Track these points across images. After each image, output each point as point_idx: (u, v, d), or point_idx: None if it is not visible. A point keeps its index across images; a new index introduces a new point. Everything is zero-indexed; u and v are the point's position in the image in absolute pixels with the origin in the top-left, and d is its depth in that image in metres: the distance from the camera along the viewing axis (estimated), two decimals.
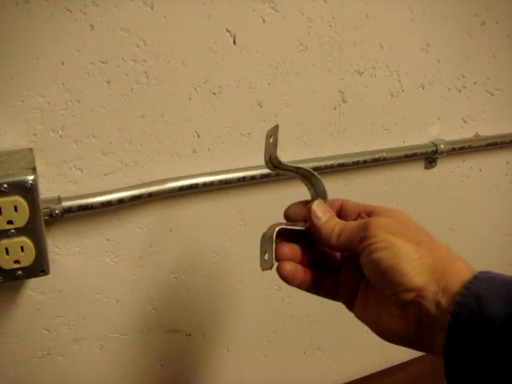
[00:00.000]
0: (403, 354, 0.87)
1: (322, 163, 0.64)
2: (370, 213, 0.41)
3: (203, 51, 0.55)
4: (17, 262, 0.47)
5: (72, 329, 0.58)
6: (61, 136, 0.51)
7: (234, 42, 0.56)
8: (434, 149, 0.73)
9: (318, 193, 0.43)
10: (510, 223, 0.88)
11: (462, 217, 0.82)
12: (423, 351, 0.37)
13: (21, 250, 0.47)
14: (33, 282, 0.54)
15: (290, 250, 0.42)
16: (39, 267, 0.49)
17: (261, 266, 0.42)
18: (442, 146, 0.74)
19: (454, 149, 0.75)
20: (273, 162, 0.42)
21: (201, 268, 0.64)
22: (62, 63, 0.49)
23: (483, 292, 0.32)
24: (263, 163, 0.62)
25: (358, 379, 0.84)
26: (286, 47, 0.59)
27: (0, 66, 0.46)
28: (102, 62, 0.50)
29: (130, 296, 0.60)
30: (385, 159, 0.69)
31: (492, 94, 0.78)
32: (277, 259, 0.41)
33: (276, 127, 0.41)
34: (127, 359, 0.63)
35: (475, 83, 0.76)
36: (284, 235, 0.42)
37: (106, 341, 0.61)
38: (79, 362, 0.60)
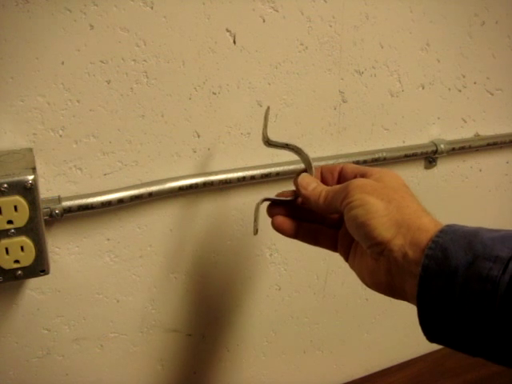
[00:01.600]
0: (403, 353, 0.87)
1: (322, 163, 0.64)
2: (363, 174, 0.45)
3: (203, 51, 0.55)
4: (17, 261, 0.47)
5: (72, 329, 0.58)
6: (61, 136, 0.51)
7: (234, 42, 0.56)
8: (434, 149, 0.73)
9: (305, 164, 0.48)
10: (510, 223, 0.88)
11: (462, 217, 0.82)
12: (396, 298, 0.41)
13: (21, 250, 0.47)
14: (33, 282, 0.54)
15: (281, 209, 0.48)
16: (39, 267, 0.49)
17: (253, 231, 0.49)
18: (442, 146, 0.74)
19: (453, 149, 0.75)
20: (266, 140, 0.49)
21: (201, 268, 0.64)
22: (62, 63, 0.49)
23: (448, 244, 0.36)
24: (263, 163, 0.63)
25: (358, 379, 0.84)
26: (286, 47, 0.59)
27: (0, 65, 0.46)
28: (101, 61, 0.50)
29: (130, 296, 0.60)
30: (385, 159, 0.69)
31: (492, 94, 0.78)
32: (269, 216, 0.48)
33: (267, 109, 0.49)
34: (127, 359, 0.63)
35: (475, 83, 0.76)
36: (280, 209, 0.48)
37: (106, 341, 0.61)
38: (79, 362, 0.60)
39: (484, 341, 0.34)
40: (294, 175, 0.48)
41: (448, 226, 0.38)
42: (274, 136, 0.50)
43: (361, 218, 0.40)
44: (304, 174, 0.47)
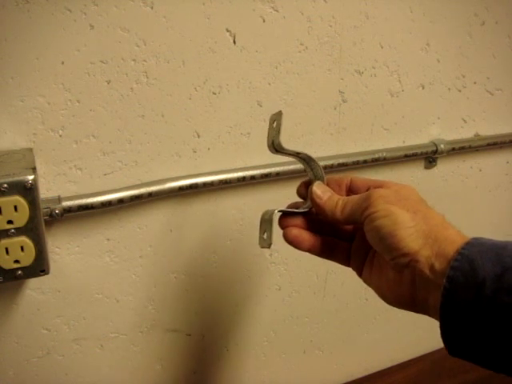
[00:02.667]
0: (403, 354, 0.87)
1: (322, 163, 0.64)
2: (378, 186, 0.43)
3: (203, 51, 0.55)
4: (17, 261, 0.47)
5: (72, 329, 0.58)
6: (61, 136, 0.51)
7: (234, 42, 0.56)
8: (434, 149, 0.73)
9: (317, 175, 0.46)
10: (510, 223, 0.88)
11: (462, 217, 0.82)
12: (417, 312, 0.40)
13: (21, 250, 0.47)
14: (33, 282, 0.54)
15: (295, 221, 0.46)
16: (39, 267, 0.49)
17: (259, 243, 0.45)
18: (442, 146, 0.74)
19: (453, 149, 0.75)
20: (275, 146, 0.45)
21: (201, 268, 0.64)
22: (62, 63, 0.49)
23: (475, 256, 0.35)
24: (263, 163, 0.63)
25: (358, 379, 0.84)
26: (286, 47, 0.59)
27: (0, 65, 0.46)
28: (101, 61, 0.50)
29: (130, 296, 0.60)
30: (385, 159, 0.69)
31: (492, 94, 0.78)
32: (282, 227, 0.45)
33: (279, 113, 0.44)
34: (127, 359, 0.63)
35: (475, 83, 0.76)
36: (293, 220, 0.46)
37: (106, 341, 0.61)
38: (79, 362, 0.60)
39: (510, 356, 0.33)
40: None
41: (475, 239, 0.37)
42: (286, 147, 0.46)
43: (386, 229, 0.38)
44: (318, 183, 0.45)
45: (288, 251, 0.70)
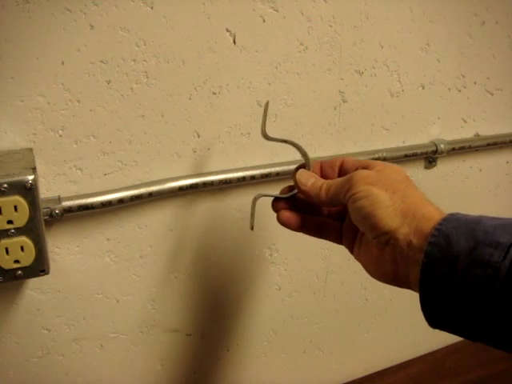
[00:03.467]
0: (403, 354, 0.87)
1: None
2: (366, 167, 0.45)
3: (203, 51, 0.55)
4: (17, 261, 0.47)
5: (72, 329, 0.58)
6: (61, 136, 0.51)
7: (234, 42, 0.56)
8: (434, 149, 0.73)
9: (304, 159, 0.49)
10: None
11: None
12: (400, 286, 0.41)
13: (21, 250, 0.47)
14: (33, 282, 0.54)
15: (286, 204, 0.49)
16: (39, 267, 0.49)
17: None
18: (442, 146, 0.74)
19: (453, 149, 0.75)
20: (263, 134, 0.50)
21: (201, 268, 0.64)
22: (62, 63, 0.49)
23: (451, 231, 0.36)
24: (263, 163, 0.63)
25: (357, 379, 0.84)
26: (286, 47, 0.59)
27: (0, 65, 0.46)
28: (101, 61, 0.50)
29: (130, 296, 0.61)
30: (385, 159, 0.69)
31: (492, 94, 0.78)
32: (275, 211, 0.49)
33: (267, 103, 0.49)
34: (127, 359, 0.63)
35: (475, 83, 0.76)
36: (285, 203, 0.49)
37: (106, 341, 0.61)
38: (79, 362, 0.60)
39: (484, 325, 0.35)
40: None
41: (451, 215, 0.38)
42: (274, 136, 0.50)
43: (366, 209, 0.40)
44: (302, 170, 0.48)
45: (288, 251, 0.70)
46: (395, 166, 0.45)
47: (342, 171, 0.48)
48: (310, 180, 0.46)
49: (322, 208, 0.49)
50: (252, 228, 0.49)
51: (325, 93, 0.64)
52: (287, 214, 0.48)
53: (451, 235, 0.36)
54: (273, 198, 0.49)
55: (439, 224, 0.37)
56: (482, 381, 0.83)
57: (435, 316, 0.37)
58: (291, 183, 0.48)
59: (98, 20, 0.49)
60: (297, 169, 0.49)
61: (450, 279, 0.35)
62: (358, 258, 0.46)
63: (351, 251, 0.47)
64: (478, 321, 0.35)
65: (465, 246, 0.35)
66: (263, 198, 0.49)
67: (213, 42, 0.55)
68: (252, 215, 0.49)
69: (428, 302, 0.37)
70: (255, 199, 0.49)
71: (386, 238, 0.40)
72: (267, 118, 0.50)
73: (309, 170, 0.48)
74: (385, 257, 0.41)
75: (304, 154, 0.49)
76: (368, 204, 0.40)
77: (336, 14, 0.61)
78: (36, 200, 0.46)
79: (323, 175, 0.49)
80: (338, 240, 0.49)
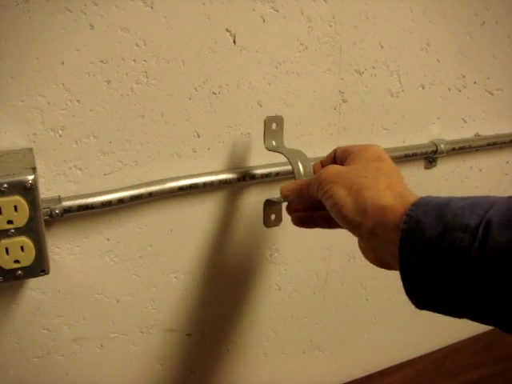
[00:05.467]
0: (403, 353, 0.87)
1: None
2: (346, 155, 0.47)
3: (203, 51, 0.55)
4: (17, 261, 0.47)
5: (72, 329, 0.58)
6: (61, 136, 0.51)
7: (234, 42, 0.56)
8: (434, 149, 0.73)
9: (293, 168, 0.54)
10: None
11: None
12: (388, 269, 0.43)
13: (21, 250, 0.47)
14: (33, 282, 0.54)
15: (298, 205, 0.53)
16: (39, 267, 0.49)
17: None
18: (442, 146, 0.74)
19: (453, 149, 0.75)
20: (265, 147, 0.57)
21: (201, 268, 0.64)
22: (62, 63, 0.49)
23: (421, 216, 0.37)
24: (263, 163, 0.63)
25: (357, 379, 0.84)
26: (286, 47, 0.59)
27: (0, 65, 0.46)
28: (101, 61, 0.50)
29: (130, 296, 0.61)
30: None
31: (492, 94, 0.78)
32: (289, 214, 0.53)
33: (265, 120, 0.56)
34: (127, 359, 0.63)
35: (475, 83, 0.76)
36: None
37: (106, 341, 0.61)
38: (79, 362, 0.60)
39: (466, 304, 0.35)
40: (293, 175, 0.51)
41: (421, 199, 0.39)
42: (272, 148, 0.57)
43: (333, 209, 0.42)
44: (282, 186, 0.51)
45: (288, 251, 0.70)
46: (368, 149, 0.46)
47: (337, 162, 0.50)
48: (290, 190, 0.49)
49: None
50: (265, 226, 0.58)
51: (325, 93, 0.64)
52: (297, 216, 0.52)
53: (422, 220, 0.36)
54: (280, 203, 0.57)
55: (410, 210, 0.37)
56: (482, 381, 0.83)
57: (419, 298, 0.38)
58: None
59: (98, 20, 0.49)
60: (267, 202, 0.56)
61: (426, 265, 0.36)
62: (359, 245, 0.47)
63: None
64: (459, 300, 0.35)
65: (435, 230, 0.35)
66: (265, 197, 0.53)
67: (213, 42, 0.55)
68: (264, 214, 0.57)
69: (410, 286, 0.38)
70: (264, 203, 0.57)
71: (359, 232, 0.41)
72: (267, 131, 0.56)
73: (295, 178, 0.53)
74: (367, 246, 0.43)
75: (294, 164, 0.53)
76: (333, 204, 0.42)
77: (336, 14, 0.61)
78: (36, 200, 0.46)
79: None
80: (327, 227, 0.51)
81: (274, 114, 0.61)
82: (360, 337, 0.82)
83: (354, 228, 0.41)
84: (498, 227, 0.33)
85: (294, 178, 0.53)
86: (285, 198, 0.51)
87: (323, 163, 0.52)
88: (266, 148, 0.57)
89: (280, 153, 0.56)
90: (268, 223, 0.58)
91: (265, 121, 0.56)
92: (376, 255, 0.42)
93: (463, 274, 0.34)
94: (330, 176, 0.43)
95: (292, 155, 0.55)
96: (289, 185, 0.50)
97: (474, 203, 0.36)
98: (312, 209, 0.51)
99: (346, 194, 0.41)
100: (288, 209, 0.53)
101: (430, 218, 0.36)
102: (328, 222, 0.50)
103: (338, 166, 0.45)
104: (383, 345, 0.85)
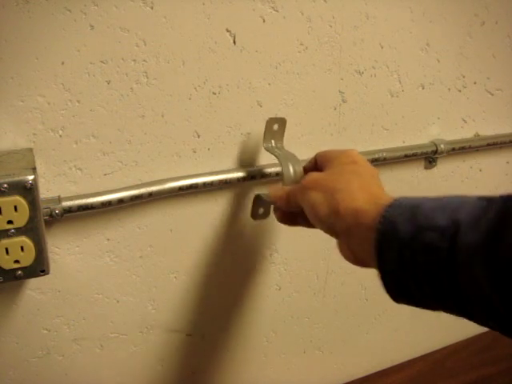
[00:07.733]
0: (403, 354, 0.87)
1: None
2: (325, 161, 0.50)
3: (203, 51, 0.55)
4: (17, 261, 0.47)
5: (72, 329, 0.58)
6: (61, 136, 0.51)
7: (234, 42, 0.56)
8: (434, 149, 0.73)
9: (283, 173, 0.55)
10: None
11: None
12: (363, 266, 0.44)
13: (21, 250, 0.47)
14: (33, 282, 0.54)
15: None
16: (39, 267, 0.49)
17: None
18: (442, 146, 0.74)
19: (453, 149, 0.75)
20: (264, 147, 0.58)
21: (201, 268, 0.64)
22: (62, 63, 0.49)
23: (396, 218, 0.38)
24: (263, 163, 0.63)
25: (357, 379, 0.84)
26: (286, 47, 0.59)
27: (0, 65, 0.46)
28: (101, 61, 0.50)
29: (130, 296, 0.60)
30: (385, 159, 0.69)
31: (492, 94, 0.78)
32: (274, 211, 0.55)
33: (267, 121, 0.57)
34: (127, 359, 0.63)
35: (475, 83, 0.76)
36: None
37: (106, 341, 0.61)
38: (79, 362, 0.60)
39: (438, 299, 0.37)
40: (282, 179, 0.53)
41: (396, 200, 0.40)
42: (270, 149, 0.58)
43: (310, 213, 0.45)
44: (271, 190, 0.52)
45: (288, 251, 0.70)
46: (346, 153, 0.48)
47: (318, 165, 0.52)
48: (277, 197, 0.51)
49: None
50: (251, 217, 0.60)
51: (325, 93, 0.64)
52: (280, 213, 0.54)
53: (396, 221, 0.38)
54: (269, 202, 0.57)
55: (385, 211, 0.39)
56: (482, 381, 0.83)
57: (396, 293, 0.39)
58: None
59: (98, 20, 0.49)
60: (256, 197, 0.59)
61: (401, 263, 0.37)
62: (337, 244, 0.48)
63: None
64: (432, 295, 0.37)
65: (408, 232, 0.37)
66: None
67: (213, 42, 0.55)
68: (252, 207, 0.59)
69: (387, 283, 0.39)
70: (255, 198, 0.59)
71: (333, 232, 0.43)
72: (267, 132, 0.57)
73: (287, 181, 0.54)
74: (343, 244, 0.44)
75: (284, 168, 0.55)
76: (309, 208, 0.45)
77: (336, 14, 0.61)
78: (36, 200, 0.46)
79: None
80: (308, 226, 0.52)
81: (274, 114, 0.61)
82: (360, 337, 0.82)
83: (328, 229, 0.44)
84: (466, 227, 0.35)
85: (283, 181, 0.55)
86: (273, 203, 0.53)
87: (305, 169, 0.54)
88: (265, 148, 0.58)
89: (274, 155, 0.57)
90: (256, 216, 0.61)
91: (266, 121, 0.57)
92: (352, 253, 0.43)
93: (435, 273, 0.35)
94: (309, 183, 0.46)
95: (284, 159, 0.56)
96: (277, 190, 0.52)
97: (444, 204, 0.37)
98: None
99: (321, 198, 0.44)
100: (274, 208, 0.55)
101: (403, 219, 0.38)
102: (308, 222, 0.51)
103: (317, 173, 0.48)
104: (383, 345, 0.85)
